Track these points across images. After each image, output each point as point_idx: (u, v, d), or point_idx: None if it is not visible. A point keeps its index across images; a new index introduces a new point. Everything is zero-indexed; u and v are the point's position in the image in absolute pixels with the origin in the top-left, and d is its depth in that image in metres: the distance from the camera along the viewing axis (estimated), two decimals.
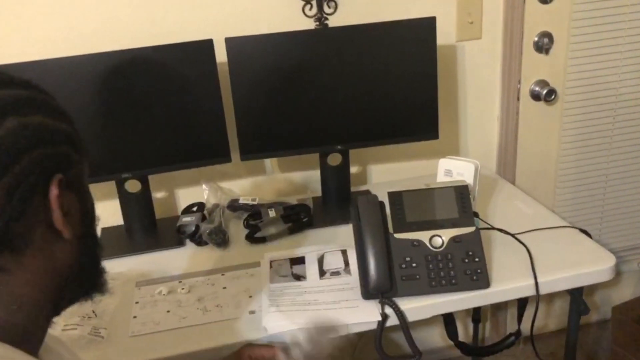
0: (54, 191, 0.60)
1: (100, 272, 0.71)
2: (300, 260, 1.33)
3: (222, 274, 1.31)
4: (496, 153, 1.80)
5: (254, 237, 1.44)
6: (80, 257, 0.66)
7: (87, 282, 0.69)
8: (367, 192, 1.63)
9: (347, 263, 1.29)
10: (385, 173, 1.76)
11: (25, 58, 1.31)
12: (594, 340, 2.12)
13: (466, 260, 1.17)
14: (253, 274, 1.30)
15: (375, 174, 1.76)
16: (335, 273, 1.27)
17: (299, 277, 1.27)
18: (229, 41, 1.38)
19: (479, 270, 1.17)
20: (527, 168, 1.83)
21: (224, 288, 1.26)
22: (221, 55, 1.39)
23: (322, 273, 1.27)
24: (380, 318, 1.12)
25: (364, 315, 1.13)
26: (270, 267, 1.32)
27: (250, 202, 1.56)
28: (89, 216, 0.68)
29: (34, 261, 0.60)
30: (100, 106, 1.37)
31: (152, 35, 1.44)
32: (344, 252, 1.33)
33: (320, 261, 1.31)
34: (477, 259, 1.18)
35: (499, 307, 2.01)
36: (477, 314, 1.84)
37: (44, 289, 0.61)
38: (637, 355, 1.86)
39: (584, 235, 1.33)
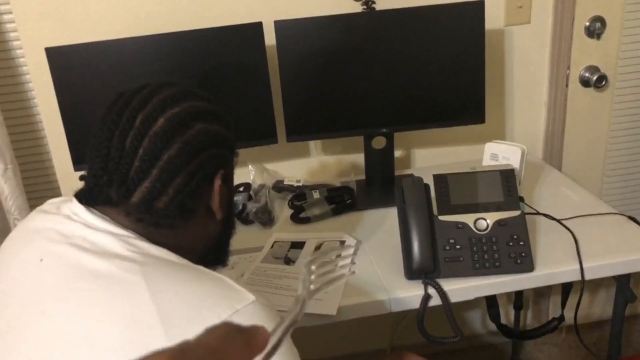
0: (217, 182, 0.80)
1: (228, 249, 0.92)
2: (300, 245, 1.35)
3: (259, 251, 1.35)
4: (542, 139, 1.78)
5: (298, 217, 1.47)
6: (220, 234, 0.87)
7: (219, 253, 0.90)
8: (411, 175, 1.64)
9: (338, 255, 1.29)
10: (428, 157, 1.76)
11: (85, 39, 1.37)
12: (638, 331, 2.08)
13: (510, 244, 1.18)
14: None
15: (418, 158, 1.76)
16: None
17: (289, 261, 1.29)
18: (278, 24, 1.40)
19: (523, 254, 1.17)
20: (574, 155, 1.81)
21: None
22: (268, 38, 1.42)
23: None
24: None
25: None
26: (272, 247, 1.36)
27: (294, 184, 1.59)
28: (232, 205, 0.88)
29: (193, 228, 0.80)
30: None
31: (202, 19, 1.47)
32: (341, 243, 1.34)
33: (317, 248, 1.33)
34: (521, 243, 1.18)
35: (541, 295, 1.99)
36: (519, 300, 1.83)
37: (194, 249, 0.80)
38: None
39: (632, 223, 1.31)
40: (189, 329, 0.61)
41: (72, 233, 0.72)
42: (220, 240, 0.89)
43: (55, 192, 1.65)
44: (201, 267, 0.72)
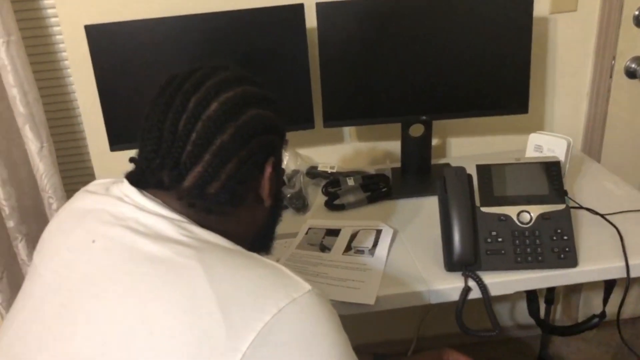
0: (268, 169, 0.79)
1: (273, 236, 0.91)
2: (335, 232, 1.34)
3: (294, 237, 1.34)
4: (582, 131, 1.74)
5: (333, 204, 1.45)
6: (268, 221, 0.86)
7: (265, 240, 0.89)
8: (447, 165, 1.61)
9: (375, 244, 1.27)
10: (464, 146, 1.73)
11: (122, 18, 1.35)
12: None
13: (554, 238, 1.15)
14: None
15: (454, 147, 1.73)
16: (360, 251, 1.26)
17: (324, 249, 1.28)
18: (320, 6, 1.37)
19: (567, 249, 1.14)
20: (614, 148, 1.76)
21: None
22: (309, 20, 1.39)
23: (348, 249, 1.27)
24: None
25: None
26: (306, 233, 1.34)
27: (329, 170, 1.57)
28: (280, 193, 0.87)
29: (242, 215, 0.80)
30: (183, 69, 1.38)
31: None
32: (378, 232, 1.32)
33: (353, 236, 1.31)
34: (565, 237, 1.15)
35: (573, 290, 1.96)
36: (550, 294, 1.80)
37: (242, 236, 0.79)
38: None
39: None
40: (247, 315, 0.61)
41: (124, 215, 0.71)
42: (268, 227, 0.88)
43: (88, 172, 1.65)
44: (255, 254, 0.70)
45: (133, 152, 1.43)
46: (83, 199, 0.79)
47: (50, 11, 1.49)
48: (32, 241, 1.53)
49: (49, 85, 1.55)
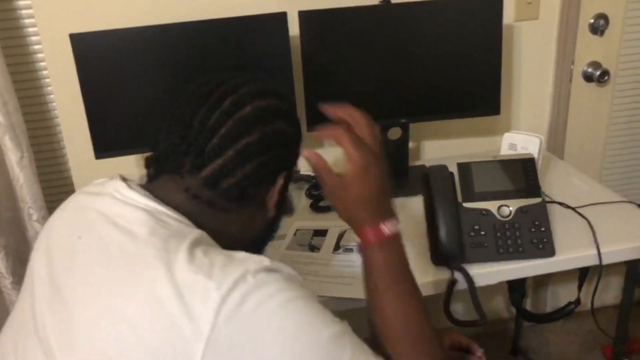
0: (280, 181, 0.82)
1: (265, 247, 0.92)
2: (322, 233, 1.38)
3: (283, 239, 1.37)
4: (547, 131, 1.84)
5: (319, 206, 1.49)
6: (265, 229, 0.88)
7: (258, 247, 0.89)
8: (423, 166, 1.67)
9: None
10: (438, 149, 1.80)
11: (104, 27, 1.36)
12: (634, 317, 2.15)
13: (532, 230, 1.22)
14: None
15: (429, 149, 1.80)
16: (349, 250, 1.30)
17: (313, 248, 1.32)
18: (302, 14, 1.42)
19: (545, 240, 1.22)
20: (575, 146, 1.87)
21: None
22: (291, 28, 1.43)
23: (336, 248, 1.31)
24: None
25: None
26: (295, 235, 1.38)
27: (311, 174, 1.60)
28: (283, 207, 0.88)
29: (243, 217, 0.82)
30: (168, 77, 1.41)
31: (225, 8, 1.48)
32: None
33: (341, 236, 1.35)
34: (543, 229, 1.22)
35: (541, 284, 2.06)
36: (521, 289, 1.88)
37: (236, 239, 0.80)
38: None
39: None
40: (205, 295, 0.63)
41: (111, 211, 0.74)
42: (263, 236, 0.90)
43: (67, 182, 1.64)
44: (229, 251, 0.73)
45: (117, 160, 1.45)
46: (78, 200, 0.81)
47: (28, 21, 1.48)
48: (12, 254, 1.50)
49: (27, 96, 1.54)
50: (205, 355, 0.61)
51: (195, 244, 0.69)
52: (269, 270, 0.68)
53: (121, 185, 0.77)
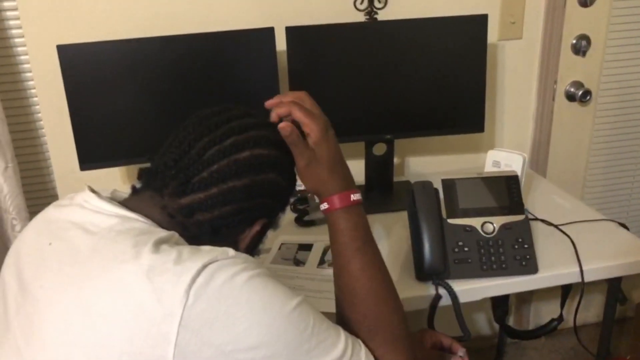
0: (256, 227, 0.83)
1: None
2: (307, 247, 1.38)
3: (268, 252, 1.37)
4: (530, 149, 1.86)
5: (303, 220, 1.50)
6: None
7: None
8: (408, 182, 1.69)
9: None
10: (422, 165, 1.82)
11: (91, 39, 1.36)
12: (614, 335, 2.18)
13: (516, 247, 1.23)
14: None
15: (412, 165, 1.82)
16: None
17: (298, 263, 1.32)
18: (289, 30, 1.43)
19: (528, 256, 1.23)
20: (558, 164, 1.90)
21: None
22: (278, 44, 1.44)
23: (321, 262, 1.32)
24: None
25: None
26: (279, 249, 1.38)
27: (297, 188, 1.61)
28: (254, 251, 0.89)
29: (215, 244, 0.77)
30: (154, 90, 1.41)
31: (212, 22, 1.49)
32: None
33: (326, 250, 1.35)
34: (526, 246, 1.24)
35: (524, 301, 2.07)
36: (504, 305, 1.90)
37: None
38: None
39: (623, 229, 1.39)
40: (172, 278, 0.65)
41: (82, 219, 0.76)
42: None
43: (52, 193, 1.62)
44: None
45: (102, 172, 1.44)
46: (50, 212, 0.82)
47: (15, 32, 1.48)
48: None
49: (12, 106, 1.53)
50: (180, 335, 0.63)
51: (162, 241, 0.71)
52: (234, 257, 0.71)
53: (90, 196, 0.78)
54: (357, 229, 0.87)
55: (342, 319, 0.86)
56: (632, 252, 1.31)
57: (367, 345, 0.81)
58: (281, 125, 0.83)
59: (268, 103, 0.88)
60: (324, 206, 0.88)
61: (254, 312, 0.67)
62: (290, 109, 0.85)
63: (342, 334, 0.77)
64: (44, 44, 1.46)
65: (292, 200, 1.57)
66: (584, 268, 1.25)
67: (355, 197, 0.87)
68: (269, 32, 1.42)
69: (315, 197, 1.54)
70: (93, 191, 0.80)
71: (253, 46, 1.43)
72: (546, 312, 2.06)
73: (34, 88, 1.53)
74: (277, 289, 0.70)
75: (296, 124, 0.85)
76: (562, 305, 1.31)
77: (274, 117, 0.86)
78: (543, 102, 1.81)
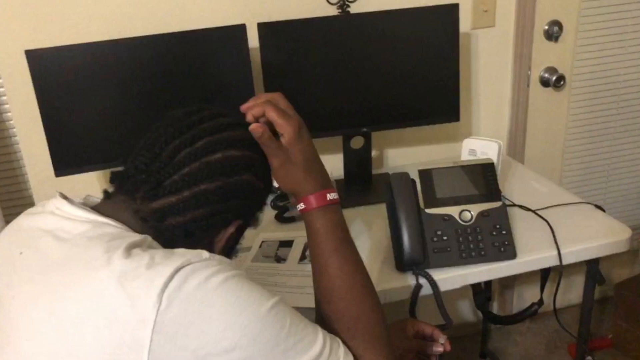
0: (231, 229, 0.82)
1: None
2: (288, 244, 1.38)
3: (249, 251, 1.37)
4: (507, 136, 1.88)
5: (284, 217, 1.49)
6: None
7: None
8: (387, 174, 1.69)
9: None
10: (401, 157, 1.82)
11: (61, 42, 1.35)
12: (596, 315, 2.21)
13: (494, 233, 1.24)
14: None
15: (391, 157, 1.82)
16: None
17: (279, 260, 1.32)
18: (261, 27, 1.43)
19: (506, 242, 1.24)
20: (535, 150, 1.91)
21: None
22: (251, 40, 1.44)
23: (302, 258, 1.32)
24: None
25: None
26: (260, 246, 1.38)
27: (276, 185, 1.61)
28: (230, 254, 0.87)
29: (190, 247, 0.75)
30: (127, 92, 1.40)
31: (182, 21, 1.48)
32: None
33: (306, 246, 1.35)
34: (504, 232, 1.25)
35: (507, 286, 2.09)
36: (487, 291, 1.92)
37: None
38: (638, 326, 1.95)
39: (599, 211, 1.41)
40: (145, 282, 0.64)
41: (53, 226, 0.74)
42: None
43: (28, 201, 1.61)
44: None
45: (77, 178, 1.43)
46: (21, 221, 0.81)
47: None
48: None
49: None
50: (154, 341, 0.62)
51: (134, 246, 0.70)
52: (208, 259, 0.70)
53: (62, 203, 0.77)
54: (334, 229, 0.86)
55: (322, 318, 0.86)
56: (608, 233, 1.32)
57: (346, 344, 0.81)
58: (252, 126, 0.83)
59: (243, 107, 0.87)
60: (301, 206, 0.87)
61: (229, 314, 0.66)
62: (264, 109, 0.84)
63: (320, 333, 0.76)
64: (12, 49, 1.44)
65: (272, 197, 1.58)
66: (562, 251, 1.27)
67: (332, 196, 0.87)
68: (241, 29, 1.41)
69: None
70: (65, 197, 0.79)
71: (225, 44, 1.42)
72: (529, 296, 2.09)
73: (5, 95, 1.51)
74: (252, 290, 0.70)
75: (270, 125, 0.84)
76: (542, 289, 1.32)
77: (249, 117, 0.85)
78: (518, 89, 1.82)
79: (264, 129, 0.83)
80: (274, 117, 0.83)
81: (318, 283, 0.87)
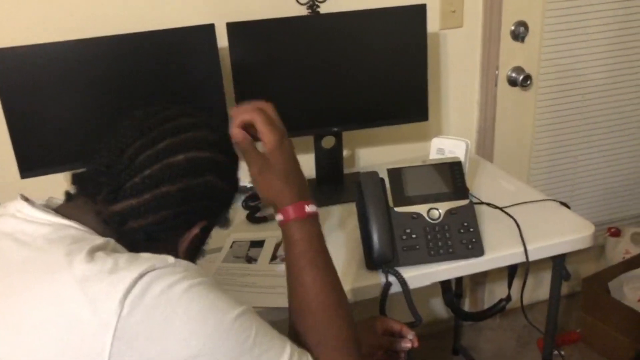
0: (194, 230, 0.81)
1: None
2: (259, 244, 1.38)
3: (219, 251, 1.37)
4: (476, 135, 1.90)
5: (255, 217, 1.49)
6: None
7: None
8: (358, 174, 1.70)
9: None
10: (372, 156, 1.84)
11: (29, 42, 1.32)
12: (565, 310, 2.25)
13: (462, 231, 1.26)
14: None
15: (363, 157, 1.83)
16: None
17: (250, 260, 1.32)
18: (230, 26, 1.42)
19: (473, 240, 1.26)
20: (503, 148, 1.94)
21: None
22: (220, 40, 1.44)
23: (273, 258, 1.32)
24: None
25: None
26: (231, 247, 1.38)
27: (247, 185, 1.60)
28: (196, 255, 0.87)
29: (153, 251, 0.74)
30: (94, 92, 1.39)
31: (151, 20, 1.47)
32: None
33: (277, 246, 1.36)
34: (471, 229, 1.27)
35: (478, 283, 2.12)
36: (458, 288, 1.94)
37: None
38: (605, 320, 2.00)
39: (564, 207, 1.44)
40: (106, 288, 0.63)
41: (13, 229, 0.73)
42: None
43: None
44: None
45: (44, 179, 1.40)
46: None
47: None
48: None
49: None
50: (114, 347, 0.62)
51: (97, 249, 0.69)
52: (174, 265, 0.69)
53: (23, 205, 0.76)
54: (310, 241, 0.85)
55: (293, 328, 0.85)
56: (573, 229, 1.35)
57: (315, 356, 0.79)
58: (234, 131, 0.82)
59: (233, 111, 0.86)
60: (279, 217, 0.86)
61: (192, 322, 0.65)
62: (252, 115, 0.83)
63: (288, 345, 0.75)
64: None
65: (243, 197, 1.58)
66: (528, 248, 1.29)
67: (310, 208, 0.86)
68: (209, 28, 1.40)
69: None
70: (26, 199, 0.77)
71: (194, 43, 1.41)
72: (499, 293, 2.12)
73: None
74: (217, 299, 0.69)
75: (249, 131, 0.84)
76: (510, 285, 1.34)
77: (237, 123, 0.84)
78: (486, 88, 1.85)
79: (244, 135, 0.82)
80: (260, 125, 0.82)
81: (291, 294, 0.86)
